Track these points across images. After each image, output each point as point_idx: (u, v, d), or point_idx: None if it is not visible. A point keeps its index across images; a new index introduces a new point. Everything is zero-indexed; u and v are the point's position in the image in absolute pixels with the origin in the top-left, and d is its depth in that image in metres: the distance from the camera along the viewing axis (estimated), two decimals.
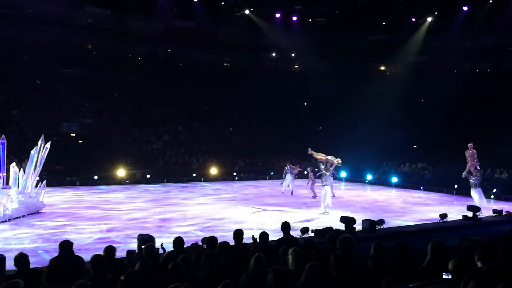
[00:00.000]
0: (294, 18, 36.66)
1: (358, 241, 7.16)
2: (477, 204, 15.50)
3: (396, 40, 34.43)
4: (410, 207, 17.95)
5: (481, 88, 30.77)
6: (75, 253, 6.46)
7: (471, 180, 16.16)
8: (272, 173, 27.67)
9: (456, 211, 15.87)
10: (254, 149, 30.10)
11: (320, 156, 16.18)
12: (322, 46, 35.51)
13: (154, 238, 9.07)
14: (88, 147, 26.11)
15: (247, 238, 7.78)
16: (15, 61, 29.37)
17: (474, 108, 29.59)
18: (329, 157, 16.17)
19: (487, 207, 15.64)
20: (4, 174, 14.25)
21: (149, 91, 32.73)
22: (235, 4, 35.43)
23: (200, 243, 7.99)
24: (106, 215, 14.67)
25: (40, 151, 14.91)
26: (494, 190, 21.28)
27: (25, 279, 4.45)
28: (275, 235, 8.72)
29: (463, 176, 16.70)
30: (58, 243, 6.44)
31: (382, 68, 39.61)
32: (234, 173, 27.88)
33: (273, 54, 41.03)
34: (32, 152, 14.91)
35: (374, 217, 13.46)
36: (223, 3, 35.45)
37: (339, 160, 16.55)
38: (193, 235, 11.45)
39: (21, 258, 5.54)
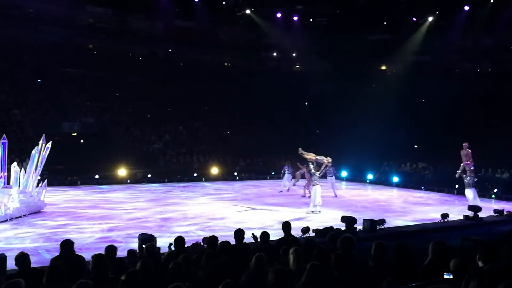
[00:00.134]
0: (295, 18, 36.64)
1: (359, 240, 7.16)
2: (470, 204, 15.47)
3: (397, 40, 34.42)
4: (411, 207, 17.94)
5: (481, 88, 30.75)
6: (76, 253, 6.47)
7: (465, 180, 16.06)
8: (273, 173, 27.67)
9: (457, 211, 15.86)
10: (255, 149, 30.11)
11: (310, 156, 16.27)
12: (323, 46, 35.51)
13: (155, 238, 9.08)
14: (89, 146, 26.12)
15: (248, 238, 7.78)
16: (16, 61, 29.38)
17: (474, 108, 29.57)
18: (318, 157, 16.21)
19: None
20: (5, 174, 14.26)
21: (150, 90, 32.74)
22: (236, 4, 35.42)
23: (201, 243, 8.00)
24: (107, 215, 14.68)
25: (41, 151, 14.93)
26: (495, 190, 21.30)
27: (26, 279, 4.45)
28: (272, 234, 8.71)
29: (456, 175, 16.67)
30: (59, 243, 6.44)
31: (383, 68, 39.60)
32: (235, 173, 27.90)
33: (274, 54, 41.02)
34: (33, 151, 14.93)
35: (375, 216, 13.46)
36: (224, 2, 35.43)
37: (329, 159, 16.55)
38: (194, 235, 11.46)
39: (22, 258, 5.54)
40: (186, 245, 7.22)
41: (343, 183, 26.29)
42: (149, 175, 25.25)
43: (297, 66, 41.58)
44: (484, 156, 24.03)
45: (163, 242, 8.84)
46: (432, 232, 12.54)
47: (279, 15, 36.16)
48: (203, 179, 26.38)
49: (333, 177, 20.76)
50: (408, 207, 17.89)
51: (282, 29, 35.79)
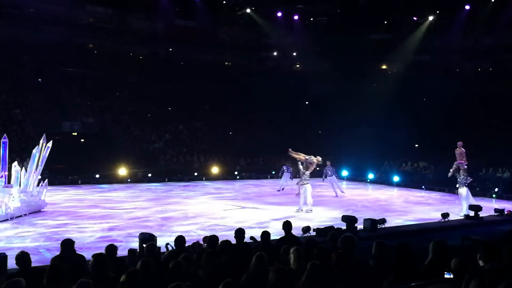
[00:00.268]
0: (296, 17, 36.62)
1: (360, 240, 7.14)
2: (462, 204, 15.42)
3: (398, 39, 34.41)
4: (411, 206, 17.94)
5: (482, 87, 30.74)
6: (77, 252, 6.47)
7: (459, 179, 15.94)
8: (273, 172, 27.66)
9: (457, 210, 15.84)
10: (255, 149, 30.10)
11: (300, 156, 16.35)
12: (323, 45, 35.49)
13: (156, 237, 9.08)
14: (90, 146, 26.12)
15: (248, 237, 7.78)
16: (16, 61, 29.39)
17: (475, 108, 29.56)
18: (308, 157, 16.24)
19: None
20: (6, 173, 14.26)
21: (150, 90, 32.75)
22: (236, 3, 35.41)
23: (201, 242, 7.99)
24: (107, 214, 14.69)
25: (42, 150, 14.94)
26: (496, 189, 21.29)
27: (26, 278, 4.45)
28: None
29: (449, 174, 16.63)
30: (60, 242, 6.45)
31: (384, 67, 39.58)
32: (236, 172, 27.90)
33: (274, 54, 40.99)
34: (34, 151, 14.94)
35: (376, 216, 13.45)
36: (224, 2, 35.41)
37: (319, 158, 16.58)
38: (194, 234, 11.46)
39: (23, 257, 5.55)
40: (186, 245, 7.22)
41: (344, 183, 26.27)
42: (150, 175, 25.25)
43: (298, 66, 41.57)
44: (485, 156, 24.05)
45: (164, 242, 8.83)
46: (432, 231, 12.54)
47: (279, 14, 36.14)
48: (204, 178, 26.38)
49: (333, 176, 20.78)
50: (408, 206, 17.89)
51: (283, 28, 35.78)
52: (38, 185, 15.14)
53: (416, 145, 28.77)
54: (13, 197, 13.61)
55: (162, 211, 15.50)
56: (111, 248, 6.45)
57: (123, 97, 32.60)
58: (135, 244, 9.49)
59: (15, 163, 14.79)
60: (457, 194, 16.24)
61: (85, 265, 6.09)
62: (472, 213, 14.57)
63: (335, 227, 11.00)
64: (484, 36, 33.46)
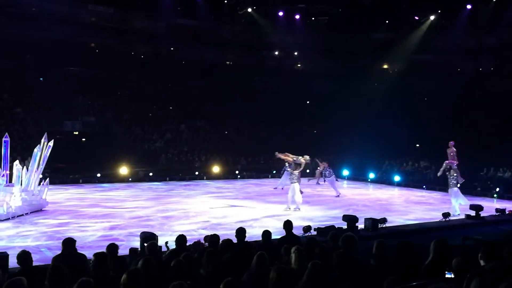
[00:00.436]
0: (297, 17, 36.60)
1: (361, 239, 7.15)
2: (453, 204, 15.39)
3: (399, 38, 34.36)
4: (412, 205, 17.94)
5: (483, 87, 30.69)
6: (78, 251, 6.48)
7: (449, 179, 15.76)
8: (274, 172, 27.67)
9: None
10: (257, 148, 30.09)
11: (287, 157, 16.54)
12: (325, 44, 35.44)
13: (157, 236, 9.08)
14: (91, 145, 26.15)
15: (249, 237, 7.79)
16: (18, 60, 29.37)
17: (476, 107, 29.53)
18: (295, 158, 16.38)
19: (465, 207, 15.20)
20: (8, 172, 14.29)
21: (152, 89, 32.74)
22: (237, 3, 35.39)
23: (202, 241, 8.01)
24: (108, 213, 14.70)
25: (43, 149, 14.95)
26: (497, 189, 21.28)
27: (28, 277, 4.46)
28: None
29: (438, 174, 16.62)
30: (61, 241, 6.46)
31: (385, 67, 39.53)
32: (237, 172, 27.89)
33: (276, 53, 40.93)
34: (35, 150, 14.95)
35: (377, 215, 13.45)
36: (225, 1, 35.40)
37: (306, 157, 16.64)
38: (195, 233, 11.47)
39: (24, 256, 5.57)
40: (187, 244, 7.23)
41: (345, 182, 26.28)
42: (151, 174, 25.24)
43: (299, 65, 41.51)
44: (486, 155, 24.05)
45: (165, 241, 8.85)
46: (433, 231, 12.55)
47: (281, 13, 36.11)
48: (205, 177, 26.39)
49: (332, 177, 20.70)
50: (409, 206, 17.89)
51: (284, 27, 35.74)
52: (39, 184, 15.16)
53: (417, 145, 28.76)
54: (15, 196, 13.63)
55: (163, 210, 15.51)
56: (113, 247, 6.46)
57: (124, 96, 32.61)
58: (136, 243, 9.50)
59: (17, 162, 14.80)
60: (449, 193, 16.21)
61: (86, 264, 6.10)
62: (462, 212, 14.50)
63: (336, 227, 11.02)
64: (486, 36, 33.40)
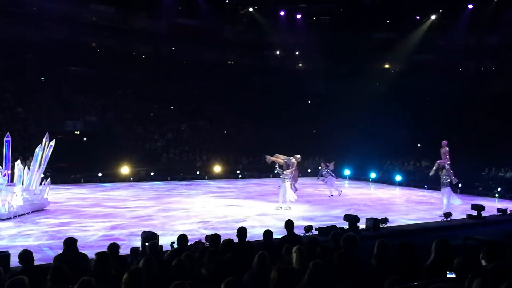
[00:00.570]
0: (298, 16, 36.59)
1: (362, 239, 7.14)
2: (444, 204, 15.36)
3: (400, 38, 34.33)
4: (414, 205, 17.92)
5: (485, 86, 30.65)
6: (79, 250, 6.48)
7: (442, 178, 15.54)
8: (275, 171, 27.64)
9: (460, 210, 15.82)
10: (258, 147, 30.05)
11: (278, 159, 16.75)
12: (326, 44, 35.43)
13: (158, 236, 9.09)
14: (92, 144, 26.18)
15: (250, 236, 7.79)
16: (19, 59, 29.42)
17: (478, 107, 29.49)
18: (286, 159, 16.60)
19: (455, 207, 15.17)
20: (9, 172, 14.31)
21: (153, 89, 32.76)
22: (239, 2, 35.38)
23: (203, 241, 8.01)
24: (110, 213, 14.72)
25: (45, 149, 14.97)
26: (499, 189, 21.25)
27: (29, 276, 4.47)
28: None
29: (430, 174, 16.60)
30: (63, 240, 6.46)
31: (386, 66, 39.51)
32: (238, 171, 27.89)
33: (277, 52, 40.95)
34: (36, 149, 14.98)
35: (378, 215, 13.44)
36: (227, 1, 35.39)
37: (297, 157, 16.86)
38: (197, 233, 11.47)
39: (26, 255, 5.57)
40: (188, 243, 7.23)
41: (346, 182, 26.27)
42: (152, 173, 25.27)
43: (300, 65, 41.50)
44: (488, 155, 24.02)
45: (166, 240, 8.86)
46: (435, 231, 12.53)
47: (282, 13, 36.11)
48: (206, 177, 26.41)
49: (329, 177, 20.61)
50: (411, 205, 17.87)
51: (285, 27, 35.74)
52: (41, 183, 15.18)
53: (419, 145, 28.73)
54: (16, 195, 13.64)
55: (165, 209, 15.53)
56: (114, 247, 6.46)
57: (125, 95, 32.63)
58: (138, 243, 9.50)
59: (18, 161, 14.83)
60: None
61: (87, 264, 6.10)
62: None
63: (337, 226, 11.01)
64: (487, 35, 33.35)
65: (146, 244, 7.36)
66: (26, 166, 15.04)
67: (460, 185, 21.67)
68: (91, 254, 6.30)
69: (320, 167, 21.22)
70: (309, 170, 23.99)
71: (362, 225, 12.08)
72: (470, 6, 31.57)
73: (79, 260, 6.15)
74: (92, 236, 11.34)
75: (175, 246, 7.65)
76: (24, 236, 11.29)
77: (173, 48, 37.67)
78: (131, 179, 24.25)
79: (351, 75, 33.91)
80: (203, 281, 5.11)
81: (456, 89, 29.81)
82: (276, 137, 30.31)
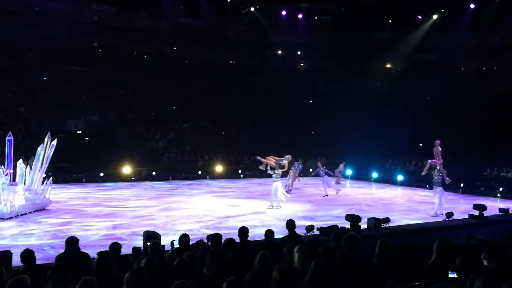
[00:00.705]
0: (300, 16, 36.58)
1: (364, 239, 7.15)
2: (435, 203, 15.32)
3: (402, 38, 34.30)
4: (415, 205, 17.92)
5: (487, 86, 30.59)
6: (81, 250, 6.49)
7: (433, 178, 15.57)
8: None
9: (462, 209, 15.80)
10: (260, 147, 30.02)
11: (269, 161, 16.97)
12: (328, 43, 35.42)
13: (160, 235, 9.09)
14: (94, 144, 26.19)
15: (252, 236, 7.79)
16: (21, 59, 29.47)
17: (480, 107, 29.43)
18: (278, 160, 16.85)
19: (445, 208, 15.15)
20: (11, 171, 14.34)
21: (155, 88, 32.78)
22: (240, 2, 35.37)
23: (205, 241, 8.00)
24: (111, 212, 14.73)
25: (47, 148, 14.99)
26: (500, 189, 21.23)
27: (31, 275, 4.47)
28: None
29: (422, 173, 16.58)
30: (64, 240, 6.47)
31: (388, 66, 39.48)
32: (239, 171, 27.89)
33: (279, 52, 40.95)
34: (38, 149, 15.00)
35: (380, 215, 13.44)
36: (228, 0, 35.38)
37: (287, 157, 17.13)
38: (198, 233, 11.48)
39: (28, 254, 5.58)
40: (190, 243, 7.23)
41: (348, 181, 26.26)
42: (154, 173, 25.28)
43: (302, 64, 41.50)
44: (489, 155, 23.99)
45: (168, 240, 8.86)
46: (436, 230, 12.52)
47: (284, 13, 36.10)
48: (208, 177, 26.42)
49: (325, 176, 20.58)
50: (412, 205, 17.87)
51: (287, 27, 35.73)
52: (42, 183, 15.20)
53: (420, 144, 28.67)
54: (18, 195, 13.67)
55: (166, 209, 15.54)
56: (116, 246, 6.46)
57: (127, 95, 32.66)
58: (139, 242, 9.51)
59: (20, 161, 14.85)
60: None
61: (89, 263, 6.11)
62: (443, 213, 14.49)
63: (339, 226, 11.00)
64: (489, 35, 33.28)
65: (148, 243, 7.35)
66: (28, 166, 15.06)
67: (462, 184, 21.73)
68: (92, 253, 6.31)
69: (317, 167, 21.22)
70: (310, 170, 24.00)
71: (363, 225, 12.08)
72: (472, 6, 31.53)
73: (81, 259, 6.15)
74: (93, 236, 11.36)
75: (176, 244, 7.66)
76: (26, 235, 11.31)
77: (175, 48, 37.68)
78: (133, 178, 24.27)
79: (353, 75, 33.89)
80: (204, 281, 5.11)
81: (458, 89, 29.76)
82: (278, 136, 30.30)
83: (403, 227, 13.14)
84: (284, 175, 23.13)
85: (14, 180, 14.39)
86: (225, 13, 36.09)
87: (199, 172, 26.61)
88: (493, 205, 16.40)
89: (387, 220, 12.53)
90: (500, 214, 15.09)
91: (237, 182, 25.50)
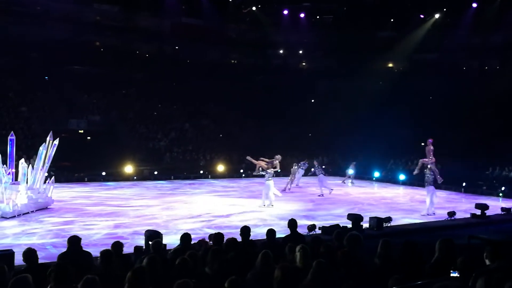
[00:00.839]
0: (302, 15, 36.57)
1: (365, 238, 7.13)
2: (426, 202, 15.30)
3: (404, 37, 34.26)
4: (417, 204, 17.87)
5: (489, 86, 30.54)
6: (83, 249, 6.50)
7: (426, 177, 15.44)
8: (279, 171, 27.61)
9: (464, 209, 15.79)
10: (261, 147, 30.02)
11: (261, 163, 17.17)
12: (329, 43, 35.39)
13: (162, 234, 9.10)
14: (96, 143, 26.23)
15: (253, 235, 7.79)
16: (23, 58, 29.52)
17: (482, 106, 29.39)
18: (269, 161, 17.09)
19: (436, 208, 15.16)
20: (13, 170, 14.36)
21: (157, 88, 32.80)
22: (242, 1, 35.37)
23: (207, 240, 8.01)
24: (113, 211, 14.74)
25: (49, 148, 15.02)
26: (503, 188, 21.20)
27: (33, 274, 4.48)
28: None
29: (414, 173, 16.54)
30: (67, 239, 6.48)
31: (390, 65, 39.43)
32: (241, 170, 27.89)
33: (281, 51, 40.94)
34: (40, 148, 15.03)
35: (382, 214, 13.44)
36: (230, 0, 35.37)
37: (278, 157, 17.34)
38: (200, 232, 11.48)
39: (30, 253, 5.60)
40: (192, 242, 7.24)
41: (350, 181, 26.22)
42: (156, 172, 25.30)
43: (304, 64, 41.49)
44: (492, 154, 23.95)
45: (170, 239, 8.87)
46: (439, 230, 12.50)
47: (285, 12, 36.10)
48: (209, 176, 26.43)
49: (321, 175, 20.54)
50: (414, 205, 17.83)
51: (289, 26, 35.72)
52: (45, 182, 15.22)
53: (422, 144, 28.62)
54: (20, 194, 13.69)
55: (168, 208, 15.55)
56: (117, 245, 6.47)
57: (129, 95, 32.69)
58: (141, 242, 9.51)
59: (22, 160, 14.89)
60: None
61: (91, 262, 6.12)
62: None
63: (341, 226, 10.99)
64: (492, 34, 33.18)
65: (150, 242, 7.36)
66: (30, 165, 15.09)
67: (464, 183, 21.71)
68: (95, 252, 6.33)
69: (315, 166, 21.24)
70: (312, 169, 23.95)
71: (365, 224, 12.07)
72: (474, 5, 31.46)
73: (83, 258, 6.17)
74: (96, 235, 11.37)
75: (174, 244, 7.67)
76: (28, 234, 11.32)
77: (177, 47, 37.71)
78: (135, 178, 24.29)
79: (355, 74, 33.86)
80: (206, 280, 5.11)
81: (460, 88, 29.71)
82: (279, 136, 30.33)
83: (405, 226, 13.13)
84: (285, 175, 23.43)
85: (16, 179, 14.41)
86: (227, 13, 36.09)
87: (201, 172, 26.62)
88: (495, 205, 16.38)
89: (389, 219, 12.52)
90: (502, 213, 15.07)
91: (238, 181, 25.50)
